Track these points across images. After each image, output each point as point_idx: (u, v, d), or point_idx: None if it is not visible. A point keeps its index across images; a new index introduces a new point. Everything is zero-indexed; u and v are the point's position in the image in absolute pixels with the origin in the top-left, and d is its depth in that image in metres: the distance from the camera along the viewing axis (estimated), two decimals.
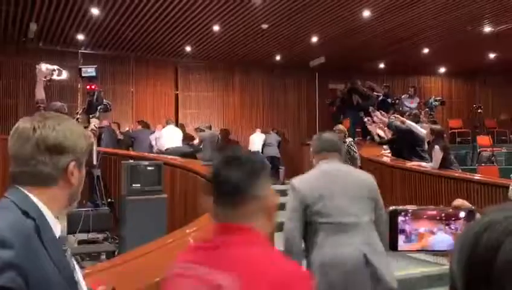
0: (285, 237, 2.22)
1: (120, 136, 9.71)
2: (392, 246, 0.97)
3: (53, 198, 1.06)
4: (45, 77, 4.84)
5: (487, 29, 10.09)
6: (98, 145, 6.17)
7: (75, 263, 1.10)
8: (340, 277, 2.11)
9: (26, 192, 1.03)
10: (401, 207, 0.98)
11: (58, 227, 1.06)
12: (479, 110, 11.09)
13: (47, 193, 1.05)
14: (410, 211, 0.98)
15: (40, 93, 4.77)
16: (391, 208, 0.98)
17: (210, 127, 10.08)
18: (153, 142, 9.79)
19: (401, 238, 0.97)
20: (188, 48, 11.28)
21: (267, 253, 1.11)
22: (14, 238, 0.90)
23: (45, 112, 1.11)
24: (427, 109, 9.72)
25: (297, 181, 2.33)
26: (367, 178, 2.42)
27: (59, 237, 1.06)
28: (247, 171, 1.11)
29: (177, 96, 12.45)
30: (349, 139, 6.22)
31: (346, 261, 2.12)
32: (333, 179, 2.30)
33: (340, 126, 6.36)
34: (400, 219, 0.97)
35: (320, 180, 2.31)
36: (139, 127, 10.39)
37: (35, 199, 1.03)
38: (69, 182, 1.08)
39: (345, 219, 2.20)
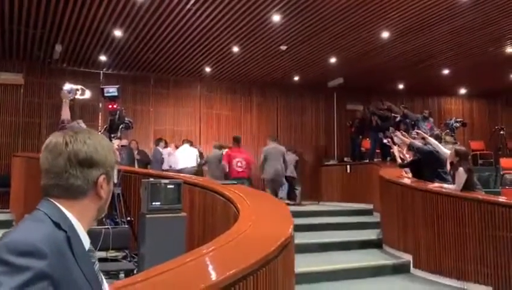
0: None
1: (137, 157, 9.82)
2: None
3: (83, 210, 1.07)
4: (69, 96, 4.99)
5: (509, 50, 9.99)
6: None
7: (102, 276, 1.10)
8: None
9: (58, 204, 1.05)
10: None
11: (87, 239, 1.07)
12: (501, 132, 10.91)
13: (77, 206, 1.06)
14: None
15: (65, 114, 4.98)
16: None
17: (219, 146, 10.13)
18: (165, 158, 10.21)
19: None
20: (208, 69, 11.44)
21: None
22: (47, 249, 0.90)
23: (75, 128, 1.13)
24: (447, 130, 9.60)
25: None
26: (284, 149, 9.68)
27: (88, 250, 1.06)
28: None
29: (195, 116, 12.58)
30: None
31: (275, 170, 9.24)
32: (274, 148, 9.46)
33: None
34: None
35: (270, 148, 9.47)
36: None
37: (66, 211, 1.04)
38: (99, 195, 1.09)
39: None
